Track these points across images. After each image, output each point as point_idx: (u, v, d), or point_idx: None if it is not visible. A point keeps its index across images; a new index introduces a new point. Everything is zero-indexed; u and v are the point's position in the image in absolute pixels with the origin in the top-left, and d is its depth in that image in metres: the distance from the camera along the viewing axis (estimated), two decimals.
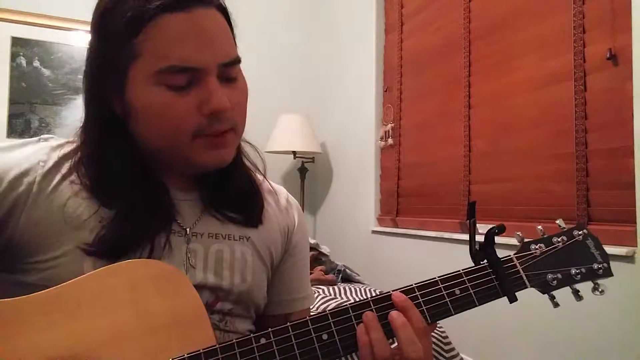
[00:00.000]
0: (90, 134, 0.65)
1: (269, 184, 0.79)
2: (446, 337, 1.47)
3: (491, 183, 1.88)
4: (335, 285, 1.95)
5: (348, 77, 2.91)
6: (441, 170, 2.15)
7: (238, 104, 0.64)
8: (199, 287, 0.64)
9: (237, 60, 0.64)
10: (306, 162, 3.06)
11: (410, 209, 2.35)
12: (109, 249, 0.59)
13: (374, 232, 2.56)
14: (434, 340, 1.43)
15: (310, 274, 1.99)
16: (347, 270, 2.21)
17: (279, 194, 0.79)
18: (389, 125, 2.51)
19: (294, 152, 2.89)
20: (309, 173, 3.09)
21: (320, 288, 1.78)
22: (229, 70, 0.63)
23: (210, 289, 0.65)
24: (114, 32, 0.59)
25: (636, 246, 1.32)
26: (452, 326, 1.69)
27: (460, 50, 2.03)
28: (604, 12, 1.45)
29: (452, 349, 1.47)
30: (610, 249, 1.39)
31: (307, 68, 3.25)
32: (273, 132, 2.86)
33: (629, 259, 1.32)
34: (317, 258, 2.27)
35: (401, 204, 2.42)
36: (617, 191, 1.40)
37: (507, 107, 1.81)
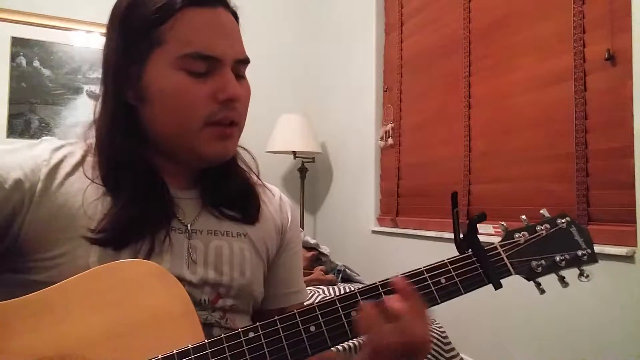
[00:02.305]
0: (103, 121, 0.68)
1: (264, 184, 0.83)
2: (446, 337, 1.47)
3: (491, 183, 1.88)
4: (335, 285, 1.95)
5: (348, 77, 2.91)
6: (441, 170, 2.15)
7: (245, 101, 0.70)
8: (201, 283, 0.66)
9: (248, 61, 0.70)
10: (306, 162, 3.06)
11: (410, 209, 2.35)
12: (110, 238, 0.61)
13: (374, 232, 2.56)
14: (434, 340, 1.44)
15: (310, 274, 2.00)
16: (347, 270, 2.21)
17: (273, 192, 0.83)
18: (389, 125, 2.51)
19: (294, 152, 2.89)
20: (309, 173, 3.09)
21: (320, 288, 1.79)
22: (240, 68, 0.69)
23: (211, 285, 0.67)
24: (139, 21, 0.64)
25: (636, 246, 1.32)
26: (452, 326, 1.69)
27: (460, 50, 2.03)
28: (603, 12, 1.45)
29: (452, 349, 1.47)
30: (610, 249, 1.40)
31: (307, 68, 3.25)
32: (273, 132, 2.86)
33: (629, 259, 1.32)
34: (317, 258, 2.27)
35: (401, 204, 2.42)
36: (617, 191, 1.40)
37: (506, 107, 1.81)
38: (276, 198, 0.82)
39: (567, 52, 1.55)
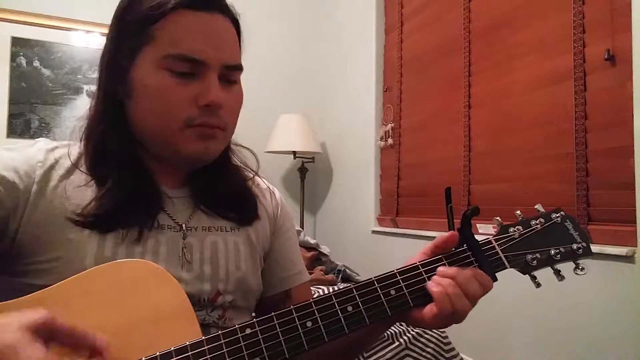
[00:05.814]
0: (93, 112, 0.69)
1: (254, 176, 0.83)
2: (446, 337, 1.47)
3: (491, 183, 1.88)
4: (335, 285, 1.95)
5: (348, 77, 2.91)
6: (441, 170, 2.15)
7: (232, 107, 0.69)
8: (198, 280, 0.66)
9: (240, 67, 0.69)
10: (306, 162, 3.06)
11: (410, 209, 2.35)
12: (94, 221, 0.61)
13: (374, 232, 2.56)
14: (434, 340, 1.44)
15: (311, 273, 2.00)
16: (347, 270, 2.20)
17: (261, 184, 0.84)
18: (389, 125, 2.51)
19: (294, 152, 2.89)
20: (309, 173, 3.09)
21: (320, 288, 1.78)
22: (230, 73, 0.68)
23: (209, 280, 0.67)
24: (134, 18, 0.65)
25: (636, 246, 1.32)
26: (452, 326, 1.68)
27: (460, 50, 2.03)
28: (603, 12, 1.45)
29: (452, 349, 1.47)
30: (610, 249, 1.40)
31: (307, 68, 3.25)
32: (273, 132, 2.86)
33: (629, 259, 1.32)
34: (317, 258, 2.27)
35: (401, 204, 2.42)
36: (617, 191, 1.40)
37: (507, 107, 1.81)
38: (264, 187, 0.83)
39: (567, 52, 1.55)
